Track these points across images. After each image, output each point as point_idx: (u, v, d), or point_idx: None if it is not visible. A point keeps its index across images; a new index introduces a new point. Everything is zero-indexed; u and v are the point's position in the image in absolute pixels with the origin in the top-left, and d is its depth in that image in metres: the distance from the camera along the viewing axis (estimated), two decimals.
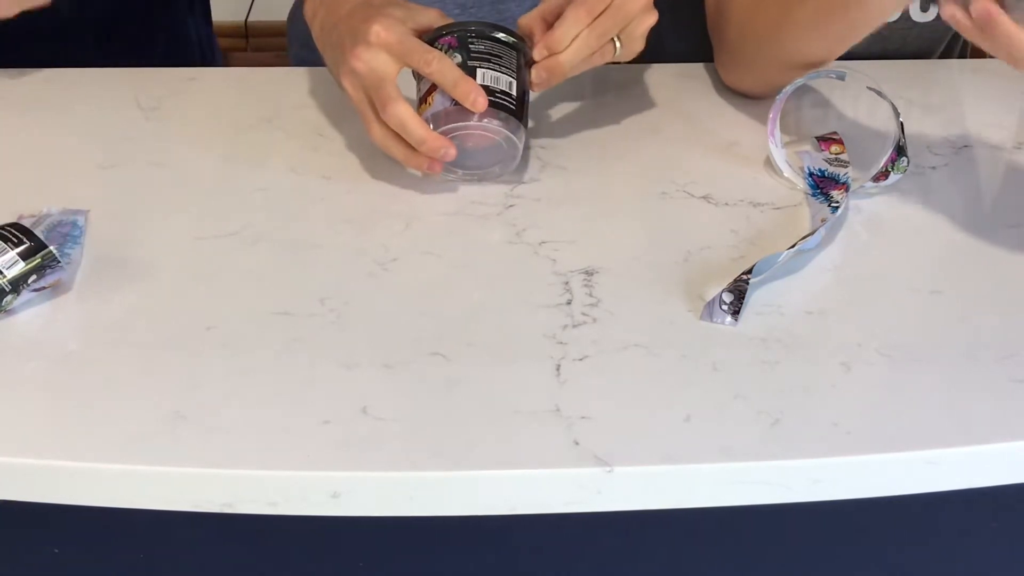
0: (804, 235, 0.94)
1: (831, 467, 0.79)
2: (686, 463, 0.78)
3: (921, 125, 1.11)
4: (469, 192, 1.03)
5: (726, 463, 0.78)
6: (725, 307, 0.88)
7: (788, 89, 1.03)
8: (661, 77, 1.23)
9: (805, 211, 1.00)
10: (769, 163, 1.05)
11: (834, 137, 1.07)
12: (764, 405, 0.81)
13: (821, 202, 0.99)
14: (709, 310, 0.88)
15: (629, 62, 1.42)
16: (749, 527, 0.90)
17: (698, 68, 1.22)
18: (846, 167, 1.02)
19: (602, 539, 0.90)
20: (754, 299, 0.90)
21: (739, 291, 0.89)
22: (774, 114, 1.03)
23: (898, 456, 0.79)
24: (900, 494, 0.81)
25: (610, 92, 1.22)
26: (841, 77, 1.04)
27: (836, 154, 1.04)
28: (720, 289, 0.89)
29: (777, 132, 1.03)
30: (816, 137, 1.07)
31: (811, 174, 1.02)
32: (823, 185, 1.01)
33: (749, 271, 0.90)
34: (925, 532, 0.92)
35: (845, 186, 1.00)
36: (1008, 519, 0.92)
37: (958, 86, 1.22)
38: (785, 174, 1.03)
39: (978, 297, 0.92)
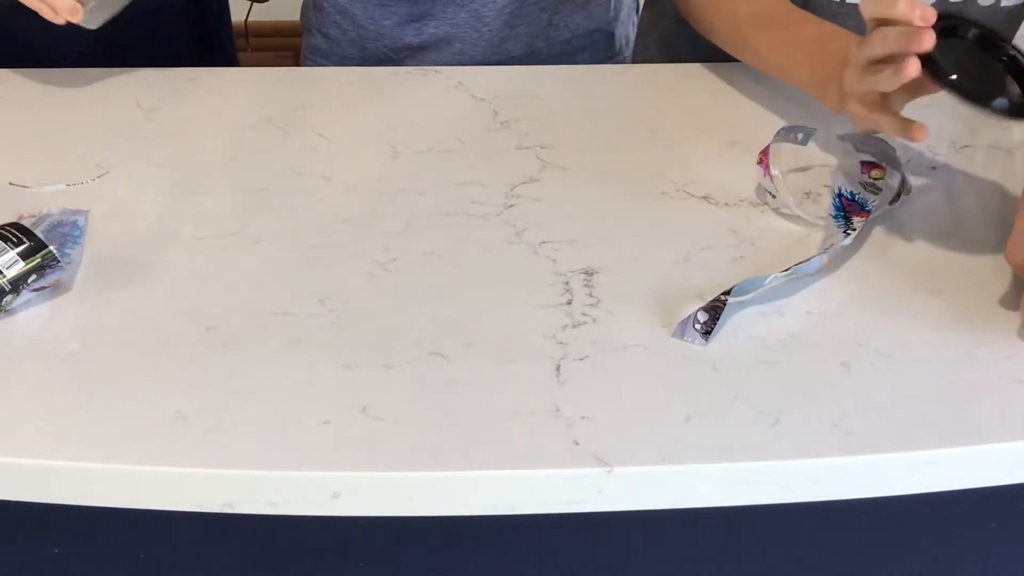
0: (800, 260, 0.91)
1: (831, 467, 0.79)
2: (686, 463, 0.78)
3: None
4: (469, 192, 1.03)
5: (726, 463, 0.78)
6: (698, 326, 0.86)
7: (774, 141, 1.01)
8: (661, 77, 1.23)
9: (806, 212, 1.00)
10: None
11: (878, 162, 1.05)
12: (764, 405, 0.81)
13: (839, 225, 0.97)
14: (681, 328, 0.87)
15: (635, 61, 1.44)
16: (749, 527, 0.90)
17: (698, 68, 1.22)
18: (877, 194, 1.00)
19: (602, 539, 0.90)
20: (754, 299, 0.90)
21: (715, 311, 0.87)
22: (765, 158, 1.01)
23: (898, 456, 0.79)
24: (900, 494, 0.81)
25: (610, 92, 1.22)
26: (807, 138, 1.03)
27: (875, 179, 1.01)
28: (696, 307, 0.87)
29: (773, 169, 1.00)
30: (861, 160, 1.05)
31: (840, 195, 1.00)
32: (849, 209, 0.99)
33: (728, 292, 0.88)
34: (925, 532, 0.92)
35: (867, 214, 0.98)
36: (1008, 519, 0.92)
37: None
38: (805, 216, 0.99)
39: (978, 297, 0.92)
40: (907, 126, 0.93)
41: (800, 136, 1.00)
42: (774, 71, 1.12)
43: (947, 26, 0.90)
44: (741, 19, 1.15)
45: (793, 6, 1.12)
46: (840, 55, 1.00)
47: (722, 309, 0.87)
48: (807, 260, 0.92)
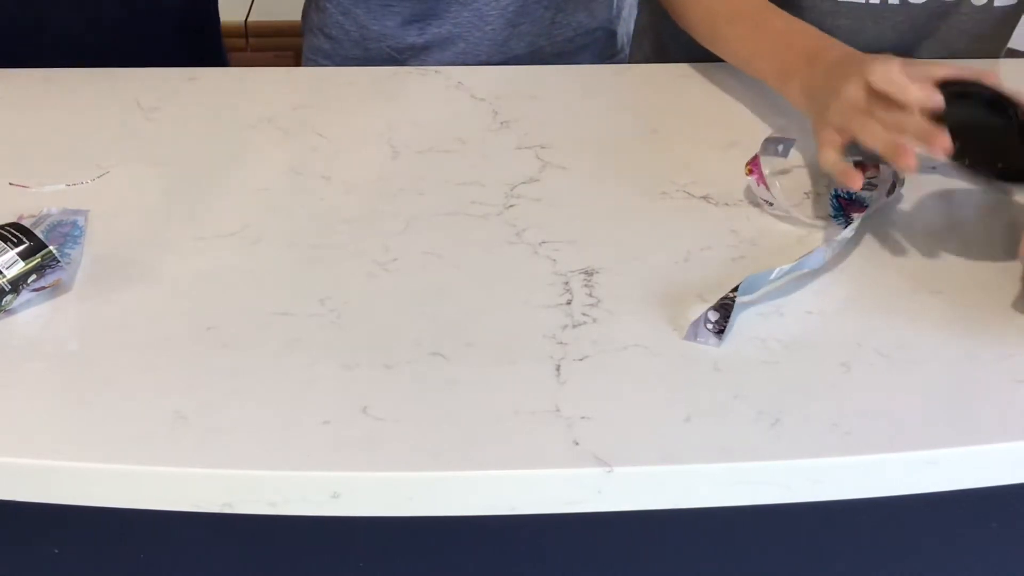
0: (804, 254, 0.92)
1: (831, 467, 0.79)
2: (686, 463, 0.78)
3: None
4: (469, 192, 1.03)
5: (726, 463, 0.78)
6: (710, 326, 0.86)
7: (761, 153, 1.01)
8: (661, 77, 1.23)
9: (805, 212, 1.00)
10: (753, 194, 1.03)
11: (869, 162, 1.04)
12: (764, 405, 0.81)
13: (840, 224, 0.97)
14: (694, 330, 0.87)
15: (631, 62, 1.44)
16: (749, 527, 0.90)
17: (698, 68, 1.22)
18: (874, 188, 1.00)
19: (602, 539, 0.90)
20: (757, 298, 0.90)
21: (725, 309, 0.87)
22: (756, 168, 1.00)
23: (898, 456, 0.79)
24: (900, 494, 0.81)
25: (610, 92, 1.22)
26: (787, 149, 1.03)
27: (870, 178, 1.01)
28: (707, 306, 0.87)
29: (765, 171, 1.00)
30: (854, 161, 1.04)
31: (837, 196, 1.00)
32: (848, 208, 0.99)
33: (735, 289, 0.88)
34: (925, 532, 0.92)
35: (866, 208, 0.98)
36: (1008, 519, 0.92)
37: None
38: (804, 219, 0.99)
39: (978, 297, 0.92)
40: (846, 173, 0.95)
41: (780, 148, 1.00)
42: (742, 64, 1.14)
43: (958, 92, 0.93)
44: (718, 16, 1.17)
45: (767, 3, 1.13)
46: (805, 50, 1.02)
47: (732, 307, 0.87)
48: (811, 252, 0.92)
